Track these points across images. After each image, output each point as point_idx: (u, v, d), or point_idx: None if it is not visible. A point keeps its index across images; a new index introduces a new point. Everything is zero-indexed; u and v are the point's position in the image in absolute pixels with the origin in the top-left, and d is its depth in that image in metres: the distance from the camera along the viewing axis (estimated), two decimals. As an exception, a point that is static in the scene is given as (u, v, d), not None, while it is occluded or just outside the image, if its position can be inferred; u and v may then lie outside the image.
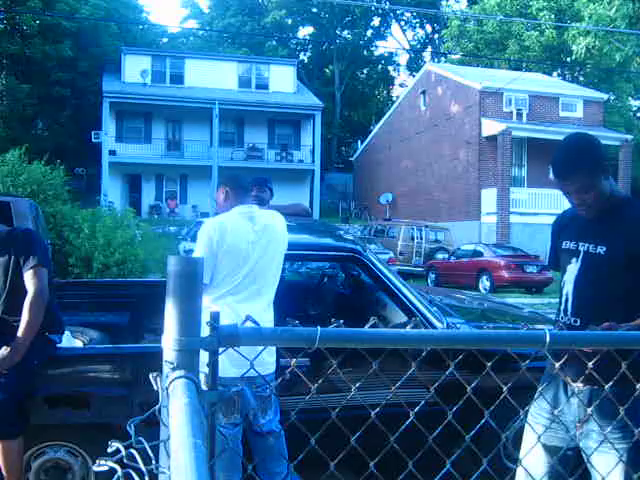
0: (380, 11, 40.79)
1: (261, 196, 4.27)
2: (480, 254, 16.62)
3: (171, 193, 27.93)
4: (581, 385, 2.02)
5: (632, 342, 1.44)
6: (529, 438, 2.17)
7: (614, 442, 1.91)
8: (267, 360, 2.74)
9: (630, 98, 33.39)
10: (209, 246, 2.76)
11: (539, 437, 2.03)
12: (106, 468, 1.00)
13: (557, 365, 1.69)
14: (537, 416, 2.17)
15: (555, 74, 31.38)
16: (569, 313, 2.17)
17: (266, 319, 2.83)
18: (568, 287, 2.20)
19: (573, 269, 2.19)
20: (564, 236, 2.28)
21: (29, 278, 2.92)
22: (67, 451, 3.05)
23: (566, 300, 2.20)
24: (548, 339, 1.27)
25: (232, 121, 28.28)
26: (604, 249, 2.09)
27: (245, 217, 2.91)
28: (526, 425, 2.22)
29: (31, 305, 2.87)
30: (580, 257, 2.17)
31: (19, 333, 2.84)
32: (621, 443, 1.93)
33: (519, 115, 22.36)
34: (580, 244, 2.17)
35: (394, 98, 39.24)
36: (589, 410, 1.96)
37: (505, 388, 1.45)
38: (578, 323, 2.13)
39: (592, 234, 2.15)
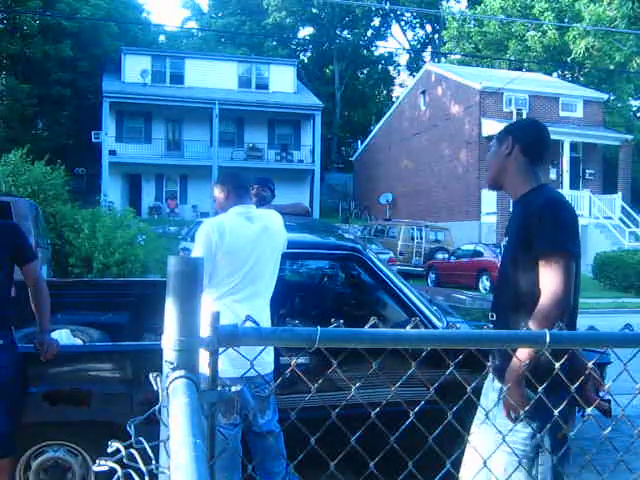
0: (380, 11, 40.75)
1: (262, 195, 4.27)
2: (480, 254, 16.62)
3: (171, 193, 27.92)
4: (497, 383, 2.02)
5: (632, 342, 1.44)
6: (472, 437, 2.10)
7: (520, 441, 1.89)
8: (266, 360, 2.73)
9: (630, 98, 33.40)
10: (207, 247, 2.74)
11: (502, 436, 2.01)
12: (106, 468, 1.00)
13: (525, 365, 1.66)
14: (479, 414, 2.13)
15: (555, 74, 31.37)
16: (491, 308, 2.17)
17: (264, 319, 2.82)
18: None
19: None
20: None
21: (34, 269, 3.04)
22: (67, 450, 3.05)
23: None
24: (548, 339, 1.27)
25: (232, 121, 28.27)
26: (507, 240, 2.09)
27: (243, 217, 2.89)
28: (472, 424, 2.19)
29: (46, 291, 3.02)
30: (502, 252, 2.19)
31: (45, 317, 2.95)
32: (526, 440, 1.90)
33: (519, 115, 22.32)
34: (504, 239, 2.18)
35: (394, 98, 39.22)
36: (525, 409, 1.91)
37: (505, 388, 1.45)
38: (494, 317, 2.10)
39: (507, 227, 2.18)
